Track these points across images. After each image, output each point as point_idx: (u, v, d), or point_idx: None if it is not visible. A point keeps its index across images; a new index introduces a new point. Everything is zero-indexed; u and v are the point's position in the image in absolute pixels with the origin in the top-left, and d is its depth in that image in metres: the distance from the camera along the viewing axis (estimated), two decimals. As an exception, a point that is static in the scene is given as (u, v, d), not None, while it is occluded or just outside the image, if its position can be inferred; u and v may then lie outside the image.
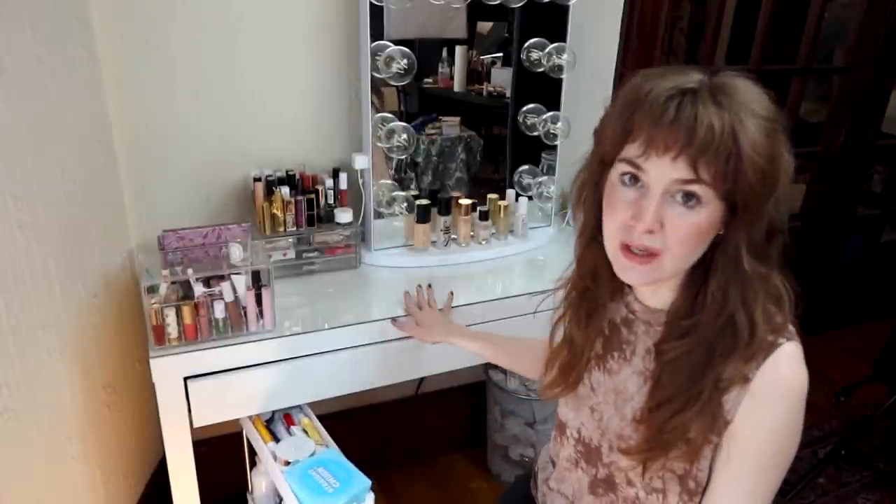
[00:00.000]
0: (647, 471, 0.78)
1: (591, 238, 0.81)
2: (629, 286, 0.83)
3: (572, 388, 0.89)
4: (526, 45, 1.57)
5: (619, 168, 0.71)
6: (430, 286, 1.32)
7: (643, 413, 0.78)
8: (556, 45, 1.55)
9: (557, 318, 0.92)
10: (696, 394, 0.72)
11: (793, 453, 0.73)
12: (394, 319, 1.25)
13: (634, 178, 0.70)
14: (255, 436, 1.22)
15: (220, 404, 1.17)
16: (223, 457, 1.47)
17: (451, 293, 1.30)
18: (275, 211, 1.37)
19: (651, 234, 0.69)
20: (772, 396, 0.70)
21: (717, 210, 0.68)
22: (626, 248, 0.72)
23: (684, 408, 0.72)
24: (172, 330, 1.11)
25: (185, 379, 1.12)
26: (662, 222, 0.69)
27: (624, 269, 0.74)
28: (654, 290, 0.79)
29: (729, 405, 0.72)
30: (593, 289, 0.84)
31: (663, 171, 0.67)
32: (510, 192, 1.65)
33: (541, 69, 1.57)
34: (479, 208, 1.57)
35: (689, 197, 0.68)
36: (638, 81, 0.70)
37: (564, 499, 0.95)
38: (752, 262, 0.70)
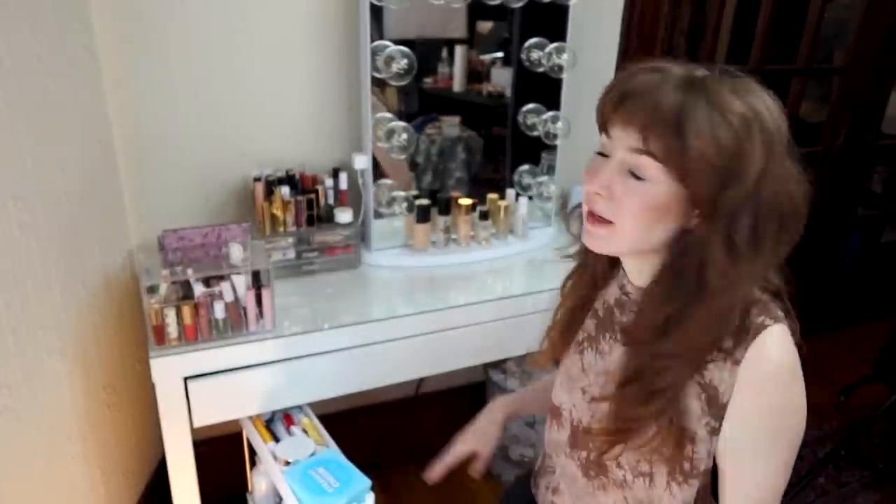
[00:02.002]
0: (605, 455, 0.80)
1: None
2: (624, 268, 0.84)
3: (555, 355, 0.93)
4: (526, 45, 1.57)
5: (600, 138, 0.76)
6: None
7: (607, 393, 0.80)
8: (556, 45, 1.55)
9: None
10: (663, 389, 0.73)
11: (800, 430, 0.74)
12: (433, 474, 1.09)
13: (604, 149, 0.74)
14: (255, 436, 1.22)
15: (220, 404, 1.17)
16: (223, 457, 1.47)
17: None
18: (275, 211, 1.37)
19: (601, 198, 0.73)
20: (761, 378, 0.71)
21: (669, 191, 0.69)
22: (591, 214, 0.75)
23: (647, 402, 0.73)
24: (172, 330, 1.11)
25: (185, 379, 1.12)
26: (612, 191, 0.71)
27: (586, 234, 0.77)
28: (637, 268, 0.80)
29: (723, 387, 0.72)
30: (592, 263, 0.88)
31: (621, 137, 0.70)
32: (510, 192, 1.65)
33: (541, 69, 1.57)
34: (479, 208, 1.57)
35: (638, 169, 0.70)
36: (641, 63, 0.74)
37: (559, 490, 0.95)
38: (728, 258, 0.69)
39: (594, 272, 0.88)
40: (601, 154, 0.74)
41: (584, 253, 0.88)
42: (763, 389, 0.71)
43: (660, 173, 0.69)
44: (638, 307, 0.80)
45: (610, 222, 0.73)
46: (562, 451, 0.93)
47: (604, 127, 0.73)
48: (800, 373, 0.73)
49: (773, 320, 0.72)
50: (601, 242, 0.76)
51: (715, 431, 0.74)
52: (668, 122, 0.66)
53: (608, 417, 0.78)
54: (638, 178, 0.70)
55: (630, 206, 0.71)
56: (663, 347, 0.73)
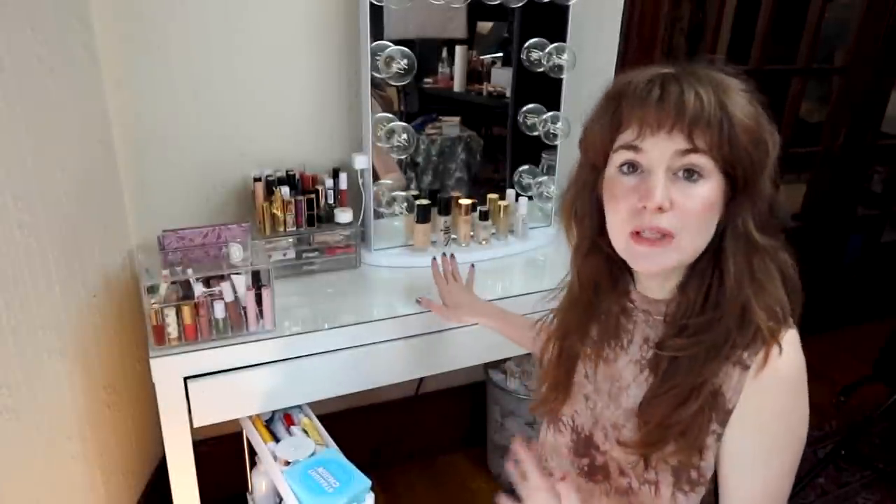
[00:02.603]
0: (648, 465, 0.78)
1: (591, 247, 0.81)
2: (631, 277, 0.83)
3: (562, 403, 0.89)
4: (526, 45, 1.57)
5: (617, 158, 0.72)
6: (453, 256, 1.29)
7: (642, 406, 0.78)
8: (556, 45, 1.55)
9: (549, 335, 0.91)
10: (700, 385, 0.72)
11: (802, 435, 0.73)
12: (419, 299, 1.28)
13: (633, 166, 0.71)
14: (255, 436, 1.22)
15: (220, 404, 1.17)
16: (223, 457, 1.47)
17: (473, 265, 1.29)
18: (275, 211, 1.37)
19: (662, 212, 0.69)
20: (770, 383, 0.70)
21: (718, 184, 0.69)
22: (637, 235, 0.71)
23: (686, 401, 0.72)
24: (172, 330, 1.11)
25: (185, 379, 1.12)
26: (672, 201, 0.69)
27: (639, 257, 0.73)
28: (660, 282, 0.78)
29: (730, 393, 0.72)
30: (595, 301, 0.84)
31: (661, 146, 0.68)
32: (510, 192, 1.65)
33: (541, 69, 1.57)
34: (479, 208, 1.57)
35: (690, 172, 0.69)
36: (615, 80, 0.73)
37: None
38: (763, 237, 0.71)
39: (605, 308, 0.84)
40: (629, 171, 0.71)
41: (593, 292, 0.84)
42: (770, 395, 0.71)
43: (710, 167, 0.68)
44: (671, 317, 0.77)
45: (671, 236, 0.70)
46: (560, 455, 0.92)
47: (628, 146, 0.70)
48: (805, 380, 0.72)
49: (780, 325, 0.71)
50: (661, 259, 0.71)
51: (721, 438, 0.74)
52: (711, 110, 0.66)
53: (644, 428, 0.77)
54: (691, 179, 0.69)
55: (694, 210, 0.69)
56: (696, 349, 0.72)
